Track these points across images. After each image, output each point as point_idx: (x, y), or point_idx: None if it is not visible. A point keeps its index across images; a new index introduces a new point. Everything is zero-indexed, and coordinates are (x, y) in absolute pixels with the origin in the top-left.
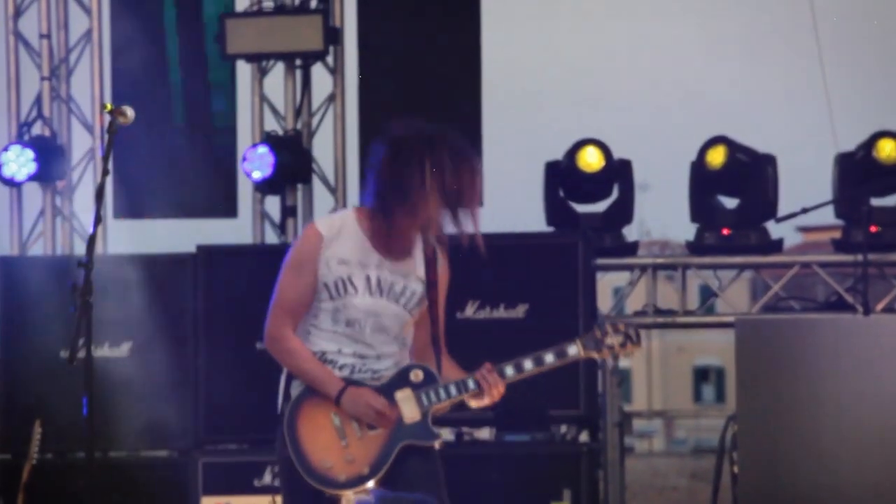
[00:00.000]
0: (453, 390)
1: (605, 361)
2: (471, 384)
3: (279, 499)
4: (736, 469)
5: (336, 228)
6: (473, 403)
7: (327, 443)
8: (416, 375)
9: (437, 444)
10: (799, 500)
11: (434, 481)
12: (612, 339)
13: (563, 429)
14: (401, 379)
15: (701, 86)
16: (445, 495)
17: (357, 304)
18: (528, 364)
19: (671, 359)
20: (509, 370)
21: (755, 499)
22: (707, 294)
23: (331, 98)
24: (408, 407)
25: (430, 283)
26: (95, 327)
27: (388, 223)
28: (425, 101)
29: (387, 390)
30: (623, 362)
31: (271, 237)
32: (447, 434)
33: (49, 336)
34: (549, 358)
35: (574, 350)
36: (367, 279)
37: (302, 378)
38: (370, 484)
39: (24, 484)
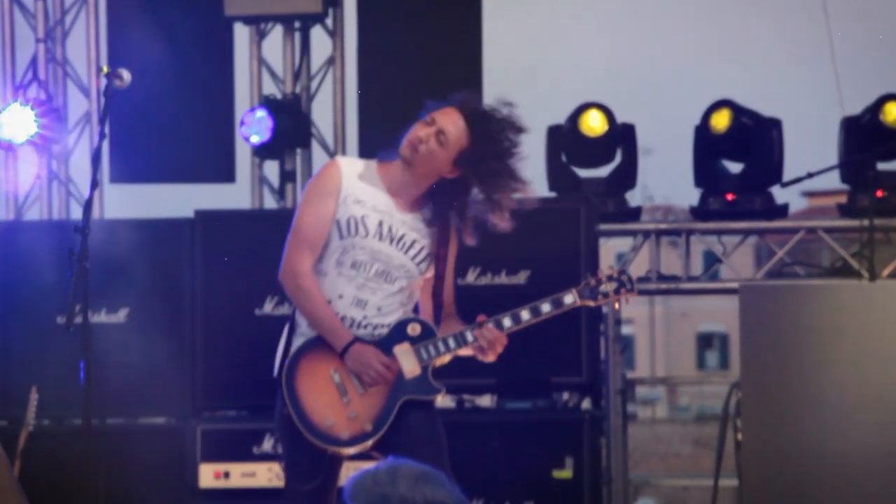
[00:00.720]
0: (452, 343)
1: (607, 327)
2: (469, 336)
3: (276, 466)
4: (739, 436)
5: (357, 169)
6: (480, 357)
7: (328, 400)
8: (414, 329)
9: (439, 398)
10: (803, 467)
11: (434, 437)
12: (607, 286)
13: (566, 396)
14: (398, 333)
15: (705, 48)
16: (445, 450)
17: (365, 244)
18: (525, 314)
19: (674, 325)
20: (507, 321)
21: (759, 466)
22: (711, 260)
23: (330, 61)
24: (407, 361)
25: (441, 239)
26: (92, 293)
27: (409, 173)
28: (425, 63)
29: (384, 345)
30: (626, 329)
31: (270, 202)
32: (448, 401)
33: (45, 302)
34: (546, 307)
35: (570, 299)
36: (380, 224)
37: (311, 322)
38: (371, 441)
39: (21, 451)
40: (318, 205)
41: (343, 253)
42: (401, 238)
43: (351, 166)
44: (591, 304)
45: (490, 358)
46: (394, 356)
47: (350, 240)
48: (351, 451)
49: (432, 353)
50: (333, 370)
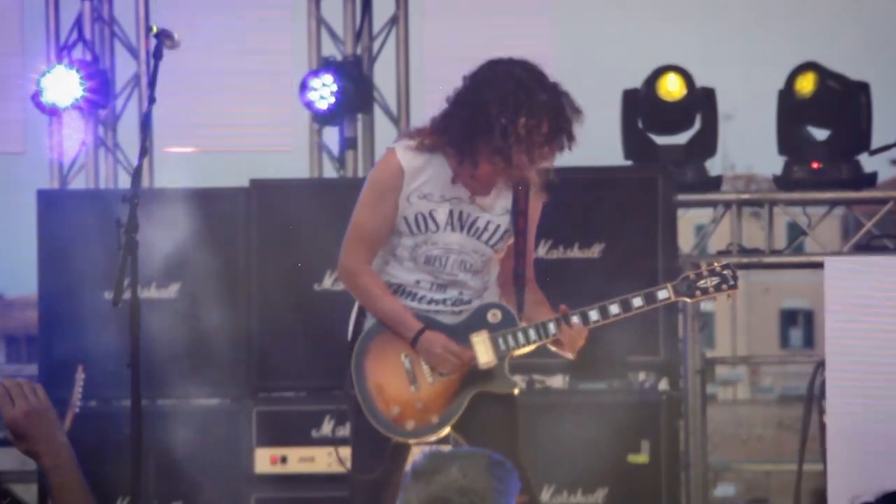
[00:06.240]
0: (533, 335)
1: (686, 304)
2: (552, 328)
3: (340, 450)
4: (825, 419)
5: (420, 162)
6: (556, 349)
7: (396, 387)
8: (494, 316)
9: (514, 391)
10: (893, 452)
11: (510, 431)
12: (707, 282)
13: (642, 376)
14: (478, 319)
15: (790, 8)
16: (522, 445)
17: (437, 240)
18: (614, 308)
19: (757, 301)
20: (594, 314)
21: (845, 450)
22: (795, 232)
23: (393, 20)
24: (483, 351)
25: (519, 211)
26: (142, 267)
27: (472, 165)
28: (495, 24)
29: (462, 332)
30: (705, 305)
31: (329, 171)
32: (518, 381)
33: (92, 276)
34: (638, 302)
35: (664, 294)
36: (450, 213)
37: (376, 316)
38: (435, 436)
39: (66, 433)
40: (377, 203)
41: (415, 248)
42: (473, 223)
43: (412, 160)
44: (689, 300)
45: (569, 354)
46: (470, 344)
47: (422, 236)
48: (415, 441)
49: (511, 344)
50: (404, 355)
